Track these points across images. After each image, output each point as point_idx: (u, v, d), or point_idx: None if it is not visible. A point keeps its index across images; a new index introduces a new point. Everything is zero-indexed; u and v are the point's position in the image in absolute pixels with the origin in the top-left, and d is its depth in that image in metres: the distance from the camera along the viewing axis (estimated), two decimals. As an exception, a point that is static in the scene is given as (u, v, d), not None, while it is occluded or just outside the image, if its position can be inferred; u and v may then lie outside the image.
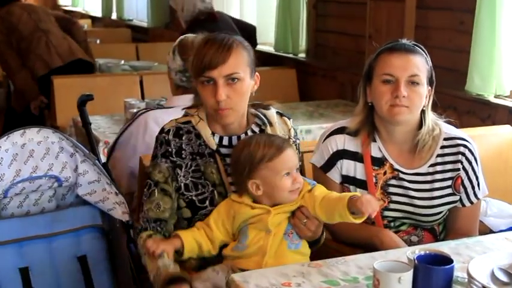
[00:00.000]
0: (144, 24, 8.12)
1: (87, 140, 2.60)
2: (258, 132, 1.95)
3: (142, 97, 4.38)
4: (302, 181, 1.84)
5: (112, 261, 2.11)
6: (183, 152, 1.91)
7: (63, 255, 2.05)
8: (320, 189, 1.85)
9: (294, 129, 2.02)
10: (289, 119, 2.02)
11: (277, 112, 2.01)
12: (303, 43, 5.04)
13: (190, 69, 1.87)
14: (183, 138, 1.91)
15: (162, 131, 1.94)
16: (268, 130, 1.95)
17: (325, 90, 4.74)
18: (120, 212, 2.10)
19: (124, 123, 3.56)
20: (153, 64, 5.44)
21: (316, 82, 4.89)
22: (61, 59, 4.63)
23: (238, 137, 1.93)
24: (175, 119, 1.97)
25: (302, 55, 5.06)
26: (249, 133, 1.95)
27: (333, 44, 4.76)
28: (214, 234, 1.85)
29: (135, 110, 3.56)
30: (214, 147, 1.91)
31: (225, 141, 1.93)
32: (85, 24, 8.13)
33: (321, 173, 2.13)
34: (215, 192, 1.89)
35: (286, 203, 1.83)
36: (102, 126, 3.50)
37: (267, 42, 5.39)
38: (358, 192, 2.09)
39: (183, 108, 2.01)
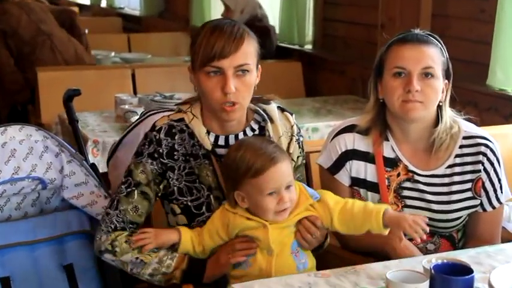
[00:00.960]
0: (137, 13, 8.13)
1: (74, 138, 2.60)
2: (257, 130, 1.94)
3: (135, 92, 4.39)
4: (292, 200, 1.77)
5: (100, 270, 2.11)
6: (175, 153, 1.89)
7: (47, 263, 2.05)
8: (332, 199, 1.83)
9: (297, 125, 2.02)
10: (291, 114, 2.02)
11: (278, 107, 2.01)
12: (309, 33, 5.04)
13: (195, 59, 1.83)
14: (176, 137, 1.90)
15: (153, 128, 1.92)
16: (269, 127, 1.93)
17: (333, 85, 4.74)
18: (109, 217, 2.10)
19: (114, 120, 3.59)
20: (146, 56, 5.45)
21: (323, 76, 4.89)
22: (67, 65, 4.68)
23: (236, 136, 1.92)
24: (168, 115, 1.95)
25: (308, 46, 5.07)
26: (248, 131, 1.94)
27: (342, 34, 4.76)
28: (206, 243, 1.85)
29: (126, 106, 3.59)
30: (210, 147, 1.89)
31: (221, 141, 1.92)
32: (72, 12, 8.15)
33: (329, 175, 2.13)
34: (211, 196, 1.89)
35: (276, 222, 1.78)
36: (91, 124, 3.50)
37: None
38: (369, 194, 2.09)
39: (176, 104, 2.00)
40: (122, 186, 1.90)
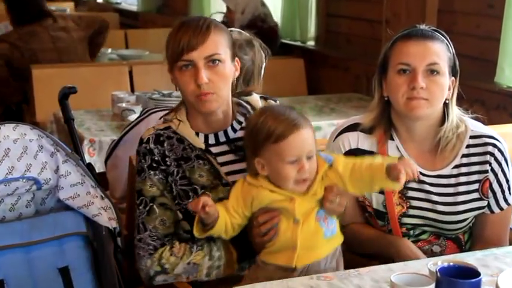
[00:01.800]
0: (134, 8, 8.14)
1: (69, 137, 2.60)
2: (243, 122, 1.96)
3: (132, 90, 4.39)
4: (311, 170, 1.78)
5: (97, 272, 2.11)
6: (167, 159, 1.93)
7: (42, 266, 2.05)
8: (342, 163, 1.82)
9: None
10: (275, 101, 2.02)
11: (262, 97, 2.03)
12: (312, 29, 5.04)
13: (166, 57, 1.89)
14: (165, 144, 1.94)
15: (141, 142, 1.97)
16: None
17: (336, 83, 4.75)
18: (106, 218, 2.10)
19: (111, 119, 3.59)
20: (144, 53, 5.45)
21: (326, 73, 4.89)
22: None
23: (225, 132, 1.95)
24: (153, 127, 2.00)
25: (311, 43, 5.07)
26: (235, 124, 1.97)
27: (345, 30, 4.76)
28: (234, 221, 1.83)
29: (123, 105, 3.59)
30: (203, 146, 1.93)
31: (212, 140, 1.95)
32: (67, 7, 8.16)
33: (332, 175, 2.13)
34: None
35: (294, 192, 1.78)
36: (87, 123, 3.51)
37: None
38: (373, 195, 2.09)
39: (161, 117, 2.04)
40: (140, 208, 1.94)
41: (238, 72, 1.95)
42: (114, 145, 2.74)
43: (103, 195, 2.14)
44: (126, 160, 2.47)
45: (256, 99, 2.01)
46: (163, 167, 1.93)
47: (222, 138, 1.95)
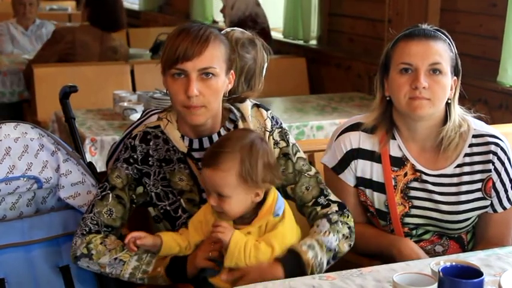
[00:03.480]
0: (135, 7, 8.14)
1: (71, 136, 2.60)
2: (232, 130, 1.96)
3: (134, 89, 4.39)
4: (216, 205, 1.78)
5: (98, 272, 2.11)
6: (150, 158, 1.94)
7: (43, 265, 2.05)
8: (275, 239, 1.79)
9: (271, 119, 2.00)
10: (266, 110, 2.02)
11: (255, 104, 2.02)
12: (314, 29, 5.04)
13: (161, 61, 1.88)
14: (150, 143, 1.94)
15: (129, 135, 1.98)
16: (240, 125, 1.96)
17: (339, 82, 4.74)
18: (107, 217, 2.10)
19: (113, 118, 3.59)
20: (145, 52, 5.45)
21: (329, 72, 4.89)
22: None
23: (210, 138, 1.94)
24: (145, 124, 2.01)
25: (313, 42, 5.07)
26: (222, 131, 1.96)
27: (348, 29, 4.75)
28: (191, 236, 1.86)
29: (125, 104, 3.59)
30: (185, 150, 1.93)
31: (196, 145, 1.95)
32: (68, 6, 8.17)
33: (333, 174, 2.13)
34: (182, 200, 1.92)
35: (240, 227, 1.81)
36: (88, 122, 3.51)
37: (274, 27, 5.39)
38: (375, 195, 2.09)
39: (157, 113, 2.03)
40: (98, 190, 1.96)
41: (231, 85, 1.94)
42: (115, 147, 2.73)
43: (104, 194, 2.14)
44: None
45: (246, 106, 1.99)
46: (140, 167, 1.93)
47: (206, 144, 1.94)
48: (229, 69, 1.91)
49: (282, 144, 1.98)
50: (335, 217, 1.91)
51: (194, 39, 1.82)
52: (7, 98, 4.88)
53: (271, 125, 1.99)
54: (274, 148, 1.97)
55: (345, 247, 1.90)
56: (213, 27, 1.91)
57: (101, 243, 1.89)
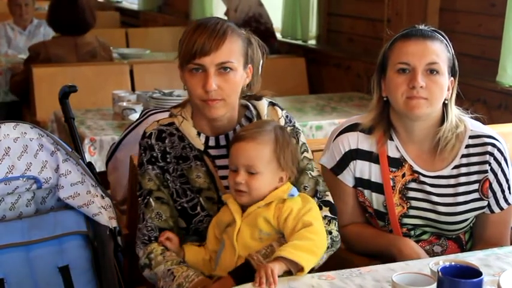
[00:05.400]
0: (135, 7, 8.14)
1: (70, 136, 2.60)
2: None
3: (133, 89, 4.39)
4: (242, 183, 1.79)
5: (97, 272, 2.11)
6: (167, 156, 1.94)
7: (43, 265, 2.05)
8: (293, 214, 1.79)
9: (285, 117, 2.00)
10: (281, 109, 2.02)
11: (270, 102, 2.03)
12: (313, 28, 5.04)
13: (179, 56, 1.88)
14: (166, 141, 1.95)
15: (144, 135, 1.98)
16: None
17: (338, 82, 4.74)
18: (106, 217, 2.10)
19: (112, 118, 3.59)
20: (144, 52, 5.45)
21: (328, 72, 4.89)
22: None
23: (226, 136, 1.95)
24: (157, 121, 2.00)
25: (312, 42, 5.06)
26: (238, 129, 1.96)
27: (347, 29, 4.76)
28: (211, 244, 1.88)
29: (124, 104, 3.59)
30: (202, 147, 1.93)
31: (212, 142, 1.95)
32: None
33: (332, 175, 2.13)
34: (201, 198, 1.92)
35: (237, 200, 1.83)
36: (88, 122, 3.51)
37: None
38: (373, 196, 2.09)
39: (169, 108, 2.04)
40: (140, 199, 1.96)
41: (249, 78, 1.95)
42: (115, 147, 2.74)
43: (103, 194, 2.14)
44: (127, 162, 2.47)
45: (263, 104, 2.00)
46: (161, 164, 1.93)
47: (223, 142, 1.95)
48: (247, 63, 1.92)
49: (292, 141, 1.99)
50: None
51: (211, 34, 1.83)
52: (1, 98, 4.89)
53: (284, 123, 2.00)
54: None
55: (324, 257, 1.84)
56: (229, 22, 1.90)
57: (160, 254, 1.89)
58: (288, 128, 1.99)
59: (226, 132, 1.96)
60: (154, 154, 1.94)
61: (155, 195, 1.93)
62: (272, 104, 2.02)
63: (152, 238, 1.92)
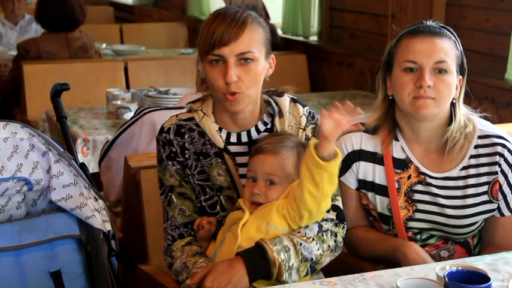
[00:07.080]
0: (130, 1, 8.14)
1: (62, 136, 2.60)
2: (269, 124, 1.98)
3: (128, 87, 4.39)
4: (260, 193, 1.84)
5: (91, 277, 2.11)
6: (186, 151, 1.94)
7: (34, 270, 2.05)
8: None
9: (307, 115, 2.01)
10: (303, 106, 2.03)
11: (292, 99, 2.03)
12: (314, 24, 5.04)
13: (199, 48, 1.88)
14: (185, 136, 1.95)
15: (161, 130, 1.98)
16: (277, 121, 1.97)
17: (340, 79, 4.75)
18: (100, 220, 2.10)
19: (106, 117, 3.59)
20: (139, 48, 5.45)
21: (330, 70, 4.89)
22: None
23: (248, 133, 1.96)
24: (176, 115, 2.00)
25: (314, 38, 5.07)
26: (260, 125, 1.97)
27: (350, 25, 4.75)
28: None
29: (118, 102, 3.59)
30: (222, 145, 1.94)
31: (233, 138, 1.96)
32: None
33: (335, 176, 2.13)
34: (221, 197, 1.93)
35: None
36: (81, 121, 3.51)
37: (272, 22, 5.39)
38: (378, 198, 2.09)
39: (188, 103, 2.03)
40: (162, 197, 1.98)
41: (272, 69, 1.95)
42: (108, 147, 2.74)
43: (97, 197, 2.14)
44: (120, 162, 2.47)
45: (285, 101, 2.00)
46: (180, 159, 1.94)
47: (244, 139, 1.96)
48: (269, 53, 1.92)
49: (313, 140, 2.00)
50: (327, 226, 1.90)
51: (231, 23, 1.83)
52: None
53: (306, 122, 2.00)
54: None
55: (326, 260, 1.89)
56: (249, 11, 1.91)
57: (180, 250, 1.92)
58: (311, 126, 2.00)
59: (248, 128, 1.96)
60: (174, 149, 1.94)
61: (177, 191, 1.95)
62: (294, 101, 2.03)
63: (176, 237, 1.94)
